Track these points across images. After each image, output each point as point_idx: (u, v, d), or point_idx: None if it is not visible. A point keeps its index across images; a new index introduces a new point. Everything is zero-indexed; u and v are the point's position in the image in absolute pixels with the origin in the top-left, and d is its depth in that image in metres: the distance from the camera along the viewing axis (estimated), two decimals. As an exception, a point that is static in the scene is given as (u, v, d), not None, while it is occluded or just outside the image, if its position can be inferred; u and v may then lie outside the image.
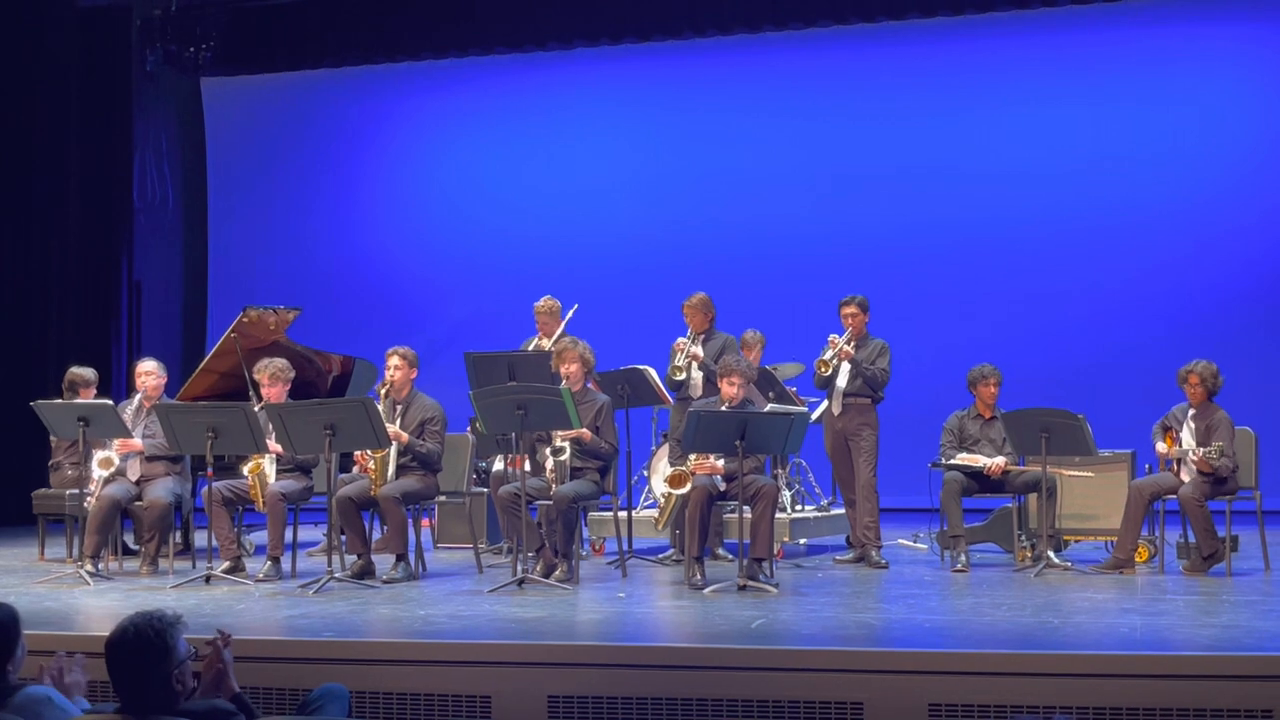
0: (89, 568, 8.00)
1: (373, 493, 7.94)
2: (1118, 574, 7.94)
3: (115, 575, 8.23)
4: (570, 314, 9.41)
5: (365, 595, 7.36)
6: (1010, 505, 8.66)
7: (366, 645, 5.83)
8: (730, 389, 7.76)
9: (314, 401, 8.27)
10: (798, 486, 9.76)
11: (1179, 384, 8.12)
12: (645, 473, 9.58)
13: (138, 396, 8.73)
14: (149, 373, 8.79)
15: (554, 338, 9.17)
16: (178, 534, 8.83)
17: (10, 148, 12.73)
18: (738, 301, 10.93)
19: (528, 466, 7.77)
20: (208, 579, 7.78)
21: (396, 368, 8.21)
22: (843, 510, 9.11)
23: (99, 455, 8.28)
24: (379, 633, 6.31)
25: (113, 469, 8.31)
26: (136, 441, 8.48)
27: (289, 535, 8.17)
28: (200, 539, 8.94)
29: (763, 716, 5.25)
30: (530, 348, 9.25)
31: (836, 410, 8.66)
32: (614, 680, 5.40)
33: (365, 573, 7.92)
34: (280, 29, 13.72)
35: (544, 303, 9.43)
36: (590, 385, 8.31)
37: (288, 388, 8.45)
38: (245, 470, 8.11)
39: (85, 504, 8.21)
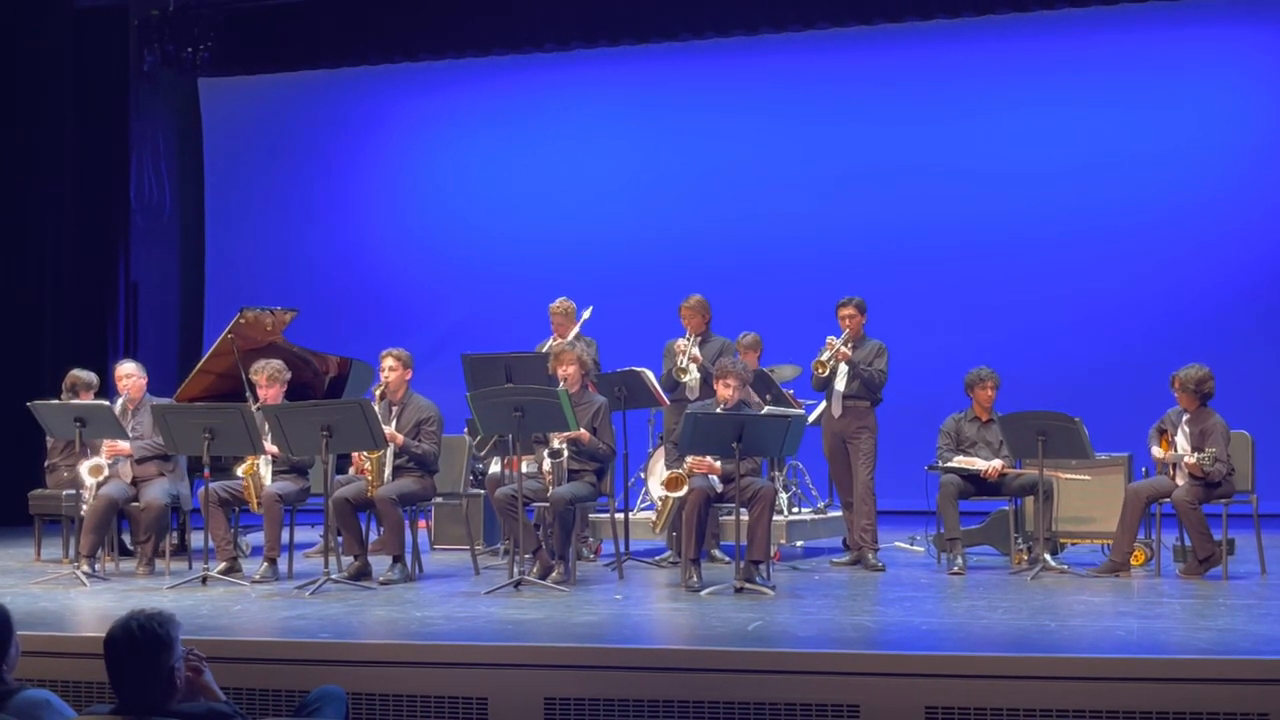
0: (85, 568, 8.00)
1: (369, 494, 7.94)
2: (1114, 577, 7.95)
3: (112, 576, 8.22)
4: (585, 315, 9.40)
5: (362, 597, 7.36)
6: (1007, 508, 8.65)
7: (363, 647, 5.82)
8: (726, 391, 7.76)
9: (310, 403, 8.26)
10: (795, 489, 9.76)
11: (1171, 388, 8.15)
12: (642, 475, 9.57)
13: (120, 399, 8.72)
14: (129, 375, 8.77)
15: (569, 339, 9.13)
16: (174, 535, 8.84)
17: (7, 148, 12.71)
18: (736, 303, 10.92)
19: (524, 468, 7.76)
20: (204, 580, 7.78)
21: (391, 369, 8.21)
22: (839, 512, 9.11)
23: (88, 464, 8.24)
24: (376, 634, 6.31)
25: (103, 475, 8.29)
26: (124, 445, 8.46)
27: (285, 536, 8.16)
28: (197, 540, 8.94)
29: (759, 719, 5.25)
30: (546, 349, 9.21)
31: (836, 412, 8.64)
32: (610, 682, 5.40)
33: (362, 574, 7.91)
34: (278, 29, 13.72)
35: (559, 304, 9.41)
36: (588, 387, 8.30)
37: (285, 389, 8.44)
38: (240, 471, 8.11)
39: (80, 505, 8.20)
